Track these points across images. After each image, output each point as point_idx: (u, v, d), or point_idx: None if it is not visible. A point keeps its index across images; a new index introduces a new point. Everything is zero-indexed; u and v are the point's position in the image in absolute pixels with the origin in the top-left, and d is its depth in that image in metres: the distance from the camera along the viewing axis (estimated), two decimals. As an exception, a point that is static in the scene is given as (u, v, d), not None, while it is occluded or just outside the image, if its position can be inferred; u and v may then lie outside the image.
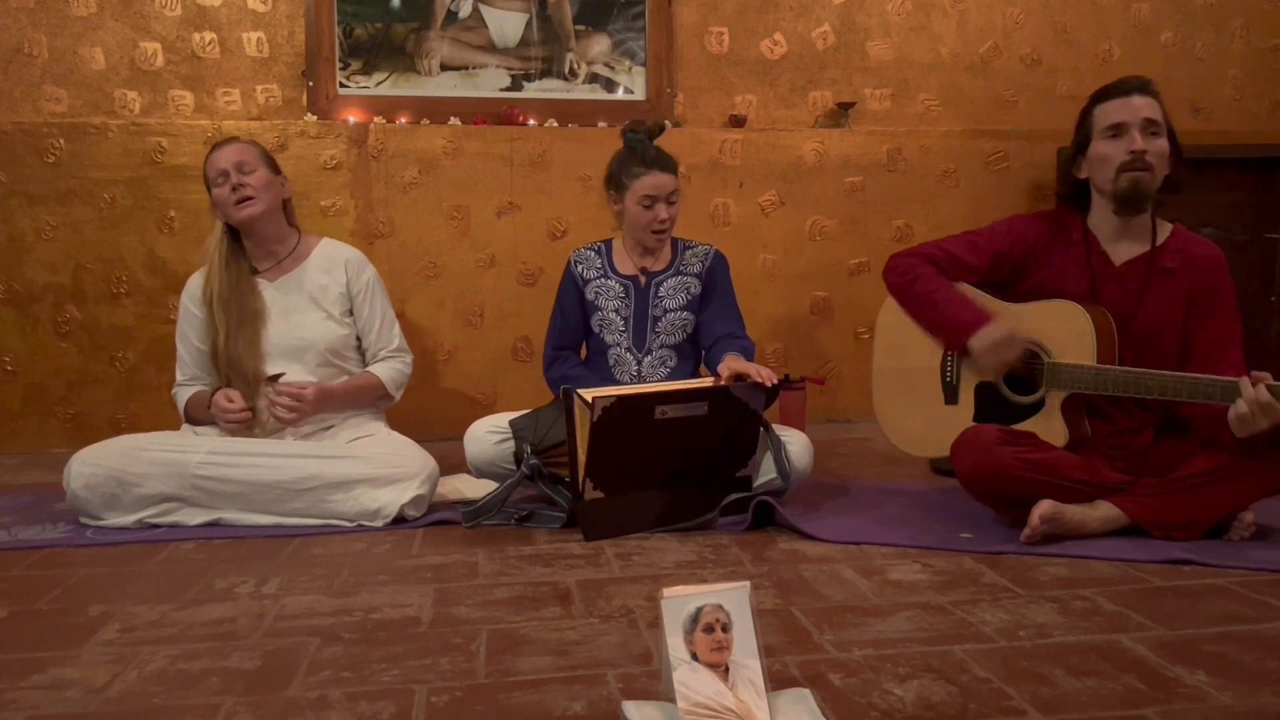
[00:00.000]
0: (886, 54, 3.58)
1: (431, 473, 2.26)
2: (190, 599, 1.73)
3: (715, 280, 2.50)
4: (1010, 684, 1.34)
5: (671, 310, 2.47)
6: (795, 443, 2.30)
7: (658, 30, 3.44)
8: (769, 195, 3.47)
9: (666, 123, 2.53)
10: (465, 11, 3.37)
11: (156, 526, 2.17)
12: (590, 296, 2.50)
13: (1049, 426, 2.12)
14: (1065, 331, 2.10)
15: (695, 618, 1.20)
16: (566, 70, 3.43)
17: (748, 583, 1.24)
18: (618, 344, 2.48)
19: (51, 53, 3.17)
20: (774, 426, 2.31)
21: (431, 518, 2.24)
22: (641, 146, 2.41)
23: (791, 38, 3.54)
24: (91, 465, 2.17)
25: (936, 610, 1.63)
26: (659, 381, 2.42)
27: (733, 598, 1.22)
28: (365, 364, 2.52)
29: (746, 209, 3.46)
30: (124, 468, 2.16)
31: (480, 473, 2.41)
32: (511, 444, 2.32)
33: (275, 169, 2.44)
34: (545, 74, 3.42)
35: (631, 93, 3.46)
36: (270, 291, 2.41)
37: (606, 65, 3.45)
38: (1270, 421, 1.83)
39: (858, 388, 3.48)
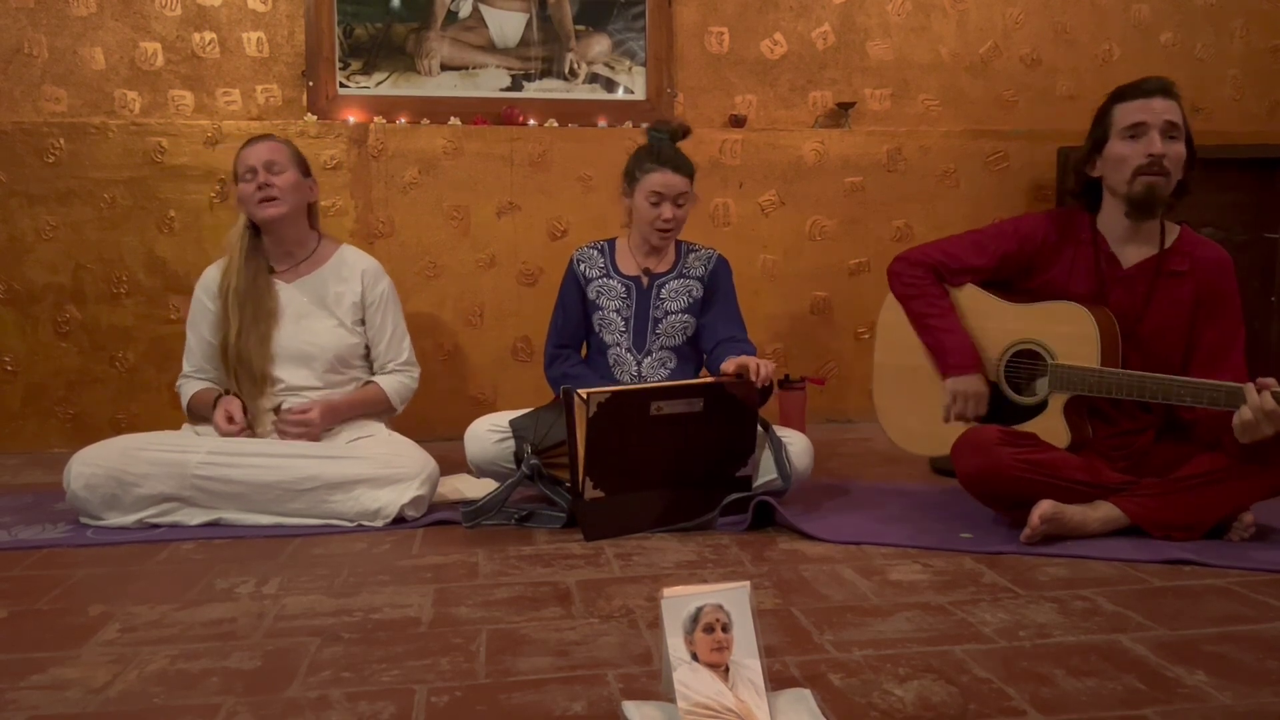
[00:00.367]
0: (886, 54, 3.58)
1: (431, 473, 2.26)
2: (190, 599, 1.73)
3: (718, 284, 2.51)
4: (1010, 684, 1.34)
5: (673, 312, 2.47)
6: (796, 444, 2.30)
7: (658, 30, 3.44)
8: (769, 195, 3.47)
9: (691, 128, 2.54)
10: (465, 11, 3.37)
11: (156, 526, 2.17)
12: (592, 295, 2.50)
13: (1051, 428, 2.12)
14: (1070, 334, 2.10)
15: (695, 618, 1.20)
16: (566, 70, 3.43)
17: (748, 583, 1.24)
18: (617, 344, 2.48)
19: (51, 53, 3.17)
20: (774, 427, 2.31)
21: (431, 518, 2.24)
22: (660, 144, 2.42)
23: (791, 38, 3.53)
24: (91, 465, 2.16)
25: (936, 610, 1.63)
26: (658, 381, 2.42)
27: (733, 598, 1.22)
28: (373, 373, 2.52)
29: (746, 209, 3.46)
30: (124, 468, 2.16)
31: (480, 471, 2.41)
32: (512, 443, 2.32)
33: (306, 171, 2.44)
34: (545, 74, 3.42)
35: (631, 93, 3.46)
36: (286, 293, 2.41)
37: (607, 65, 3.45)
38: (1275, 428, 1.83)
39: (858, 388, 3.48)
